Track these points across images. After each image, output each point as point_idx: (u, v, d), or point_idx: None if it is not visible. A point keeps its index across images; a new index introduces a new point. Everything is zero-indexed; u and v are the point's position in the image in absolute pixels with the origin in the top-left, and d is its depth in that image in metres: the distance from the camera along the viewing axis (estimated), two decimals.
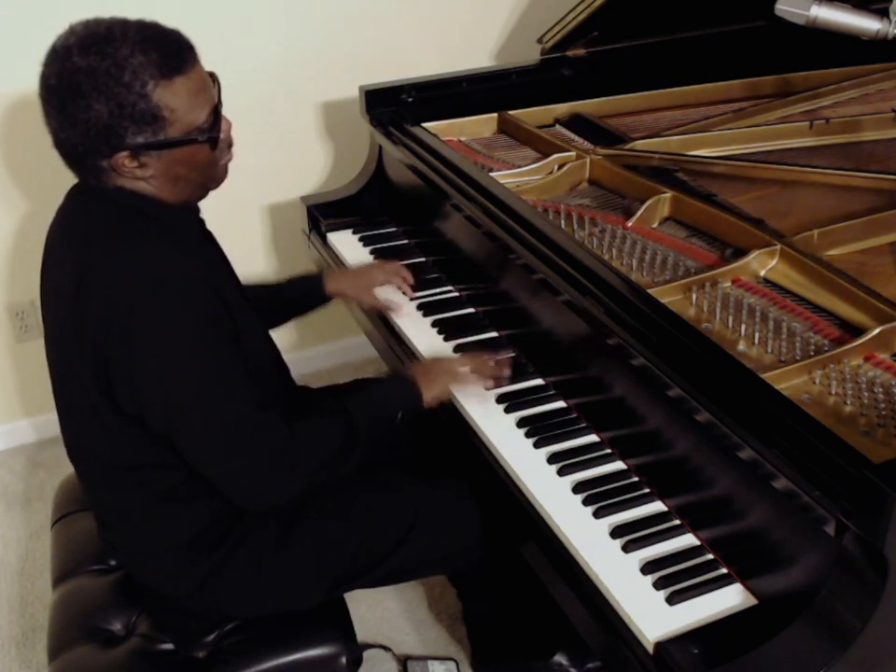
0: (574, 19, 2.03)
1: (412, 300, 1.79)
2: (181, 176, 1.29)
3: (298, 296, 1.77)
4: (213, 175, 1.34)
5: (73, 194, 1.35)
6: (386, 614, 2.05)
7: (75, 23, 1.23)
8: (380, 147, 2.09)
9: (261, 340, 1.47)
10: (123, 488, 1.37)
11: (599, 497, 1.31)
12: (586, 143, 1.96)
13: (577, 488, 1.33)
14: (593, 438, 1.43)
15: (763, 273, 1.48)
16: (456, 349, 1.64)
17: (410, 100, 2.05)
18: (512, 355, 1.61)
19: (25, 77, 2.11)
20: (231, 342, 1.28)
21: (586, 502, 1.30)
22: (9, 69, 2.15)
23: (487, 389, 1.51)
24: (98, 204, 1.29)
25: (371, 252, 1.98)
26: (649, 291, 1.39)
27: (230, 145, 1.35)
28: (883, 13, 1.47)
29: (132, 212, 1.28)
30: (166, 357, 1.22)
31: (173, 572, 1.40)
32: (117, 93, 1.18)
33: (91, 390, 1.26)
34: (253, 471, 1.29)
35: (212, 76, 1.30)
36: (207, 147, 1.29)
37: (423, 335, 1.70)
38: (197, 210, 1.41)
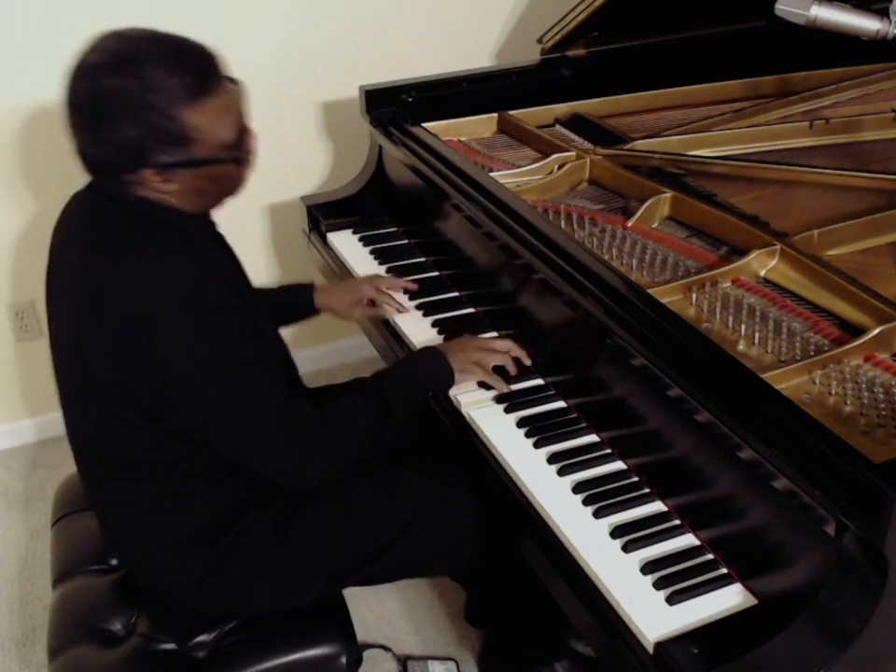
0: (574, 19, 2.03)
1: (411, 299, 1.79)
2: (205, 190, 1.29)
3: (287, 304, 1.77)
4: (235, 187, 1.35)
5: (86, 198, 1.34)
6: (386, 614, 2.05)
7: (101, 37, 1.21)
8: (380, 146, 2.09)
9: (277, 339, 1.51)
10: (125, 485, 1.37)
11: (599, 496, 1.31)
12: (586, 143, 1.96)
13: (577, 488, 1.33)
14: (593, 438, 1.43)
15: (763, 273, 1.48)
16: None
17: (410, 100, 2.05)
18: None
19: (27, 82, 2.13)
20: (255, 335, 1.31)
21: (586, 502, 1.30)
22: (13, 76, 2.16)
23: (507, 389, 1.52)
24: (115, 211, 1.28)
25: (371, 252, 1.97)
26: (649, 291, 1.39)
27: (254, 153, 1.35)
28: (883, 13, 1.47)
29: (150, 220, 1.27)
30: (196, 358, 1.23)
31: (173, 568, 1.40)
32: (147, 116, 1.18)
33: (106, 392, 1.27)
34: (291, 455, 1.34)
35: (233, 81, 1.29)
36: (234, 164, 1.29)
37: (423, 335, 1.70)
38: (210, 216, 1.41)
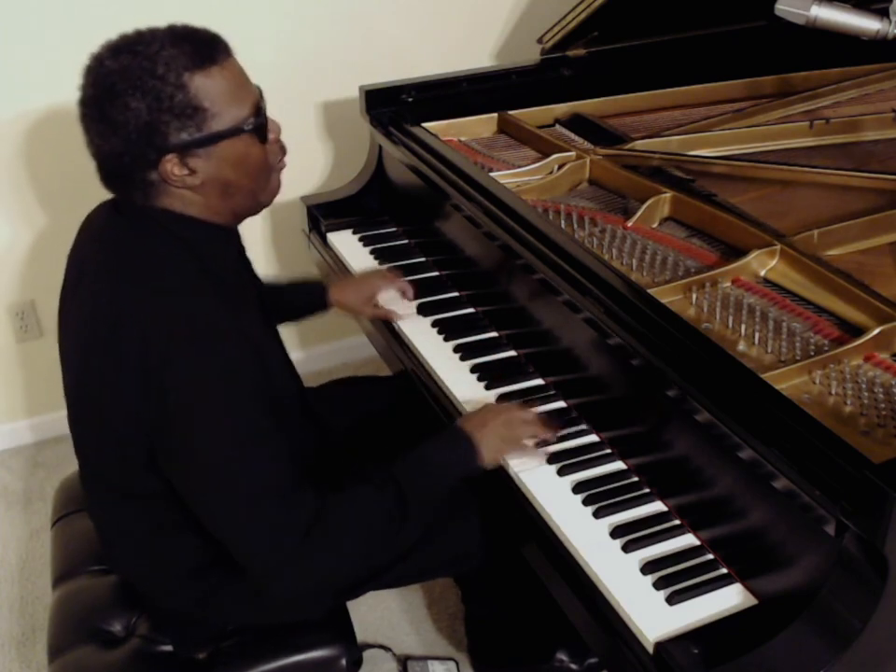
0: (574, 19, 2.03)
1: (411, 300, 1.79)
2: (231, 182, 1.24)
3: (298, 300, 1.75)
4: (265, 182, 1.30)
5: (111, 213, 1.29)
6: (386, 614, 2.05)
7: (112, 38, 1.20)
8: (380, 147, 2.09)
9: (286, 373, 1.43)
10: (132, 515, 1.34)
11: (599, 497, 1.31)
12: (586, 143, 1.96)
13: (577, 488, 1.33)
14: (593, 438, 1.43)
15: (763, 273, 1.48)
16: (457, 349, 1.64)
17: (410, 100, 2.05)
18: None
19: (30, 88, 2.13)
20: (265, 401, 1.21)
21: (586, 502, 1.30)
22: (14, 81, 2.16)
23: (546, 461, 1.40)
24: (141, 232, 1.24)
25: (371, 252, 1.98)
26: (649, 291, 1.39)
27: (283, 149, 1.30)
28: (883, 13, 1.47)
29: (176, 244, 1.23)
30: (199, 419, 1.16)
31: (174, 590, 1.38)
32: (152, 87, 1.14)
33: (114, 425, 1.22)
34: (269, 552, 1.19)
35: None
36: (258, 144, 1.24)
37: (423, 335, 1.70)
38: (238, 235, 1.38)
